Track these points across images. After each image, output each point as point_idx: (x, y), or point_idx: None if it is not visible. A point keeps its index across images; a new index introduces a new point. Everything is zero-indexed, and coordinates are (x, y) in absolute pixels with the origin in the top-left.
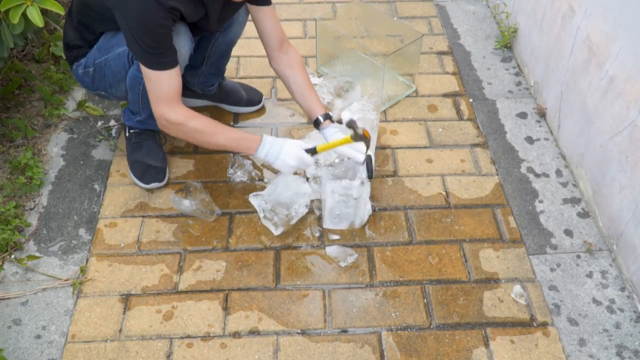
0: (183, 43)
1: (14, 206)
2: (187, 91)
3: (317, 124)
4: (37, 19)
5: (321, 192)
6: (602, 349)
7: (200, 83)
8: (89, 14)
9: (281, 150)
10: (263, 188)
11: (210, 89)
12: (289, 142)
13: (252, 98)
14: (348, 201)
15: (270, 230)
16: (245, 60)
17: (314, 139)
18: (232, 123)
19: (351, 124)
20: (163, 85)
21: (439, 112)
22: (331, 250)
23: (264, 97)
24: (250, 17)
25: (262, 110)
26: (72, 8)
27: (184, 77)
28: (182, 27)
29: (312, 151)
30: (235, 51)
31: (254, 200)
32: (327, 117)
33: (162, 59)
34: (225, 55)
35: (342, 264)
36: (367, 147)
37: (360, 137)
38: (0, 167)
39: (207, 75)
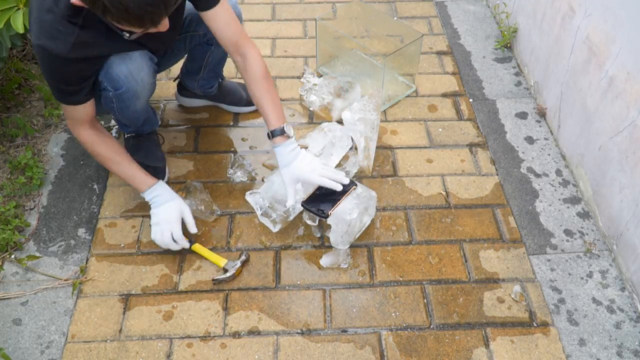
0: (140, 67)
1: (14, 206)
2: (187, 92)
3: (269, 137)
4: (19, 26)
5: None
6: (602, 349)
7: (199, 86)
8: None
9: (162, 206)
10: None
11: (210, 90)
12: (174, 203)
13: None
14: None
15: (269, 229)
16: None
17: (315, 139)
18: (231, 123)
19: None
20: (74, 113)
21: (439, 112)
22: (325, 261)
23: None
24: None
25: None
26: None
27: (184, 80)
28: (135, 53)
29: (190, 242)
30: None
31: (251, 198)
32: (281, 132)
33: (71, 98)
34: (223, 61)
35: (344, 266)
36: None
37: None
38: (0, 167)
39: (206, 79)
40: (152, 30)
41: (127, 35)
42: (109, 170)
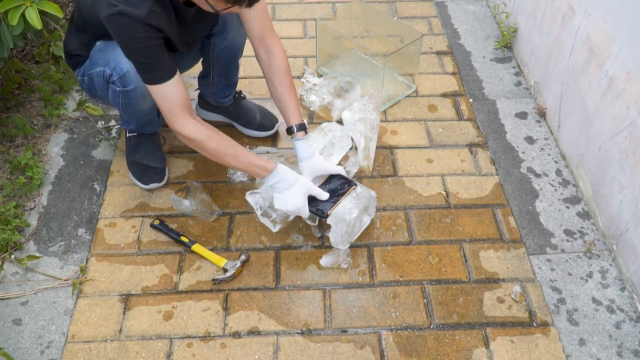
0: None
1: (14, 206)
2: (205, 103)
3: (290, 132)
4: (35, 21)
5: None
6: (602, 349)
7: (213, 94)
8: (84, 23)
9: (289, 190)
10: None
11: (223, 100)
12: (299, 184)
13: (264, 123)
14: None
15: (269, 229)
16: (245, 60)
17: (315, 139)
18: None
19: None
20: (169, 98)
21: (439, 112)
22: (325, 261)
23: (278, 124)
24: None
25: None
26: (72, 17)
27: (200, 89)
28: None
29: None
30: None
31: (250, 198)
32: (301, 127)
33: (154, 73)
34: (232, 64)
35: (344, 266)
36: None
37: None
38: (0, 167)
39: (219, 85)
40: (238, 9)
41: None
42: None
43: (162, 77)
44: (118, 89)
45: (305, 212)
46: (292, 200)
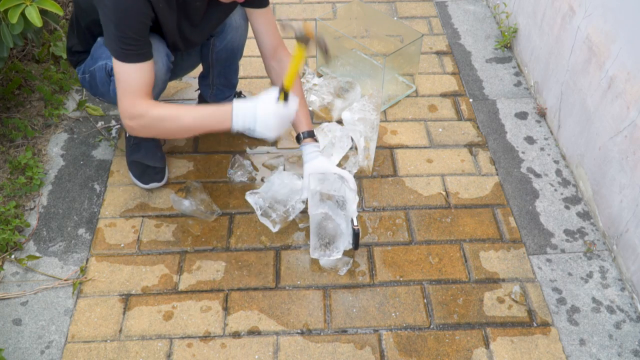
0: (155, 59)
1: (14, 206)
2: (204, 103)
3: (298, 139)
4: (35, 19)
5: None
6: (602, 349)
7: (213, 95)
8: (84, 17)
9: (256, 113)
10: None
11: (223, 101)
12: (261, 99)
13: None
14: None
15: (269, 229)
16: (245, 60)
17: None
18: None
19: (283, 24)
20: (132, 78)
21: (439, 112)
22: (325, 263)
23: None
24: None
25: None
26: (73, 13)
27: (200, 89)
28: (155, 43)
29: (283, 93)
30: None
31: (250, 198)
32: (310, 134)
33: (134, 50)
34: (231, 65)
35: (341, 273)
36: (321, 45)
37: (305, 38)
38: (0, 167)
39: (219, 86)
40: None
41: None
42: (168, 138)
43: (139, 56)
44: None
45: (293, 109)
46: (268, 116)
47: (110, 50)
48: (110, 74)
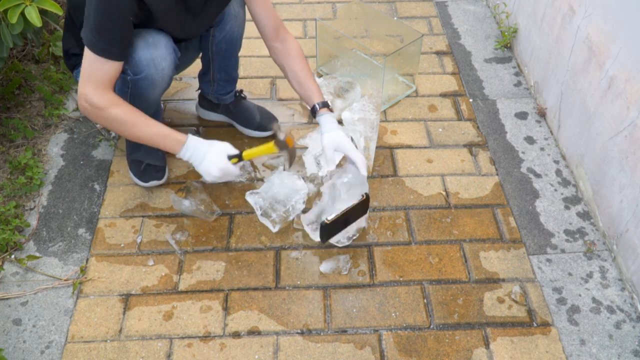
0: (163, 56)
1: (14, 206)
2: (205, 102)
3: (314, 112)
4: (35, 19)
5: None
6: (602, 349)
7: (214, 91)
8: (80, 16)
9: (204, 157)
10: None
11: (224, 97)
12: (214, 148)
13: (264, 124)
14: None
15: (269, 229)
16: (245, 60)
17: (315, 139)
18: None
19: (274, 129)
20: (98, 70)
21: (439, 112)
22: (325, 267)
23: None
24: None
25: None
26: (67, 14)
27: (201, 87)
28: (162, 38)
29: (238, 157)
30: None
31: (250, 198)
32: (325, 105)
33: (108, 46)
34: (230, 57)
35: (344, 272)
36: (291, 157)
37: (283, 144)
38: (0, 167)
39: (219, 81)
40: None
41: None
42: (130, 140)
43: (111, 53)
44: (129, 77)
45: (233, 173)
46: (212, 165)
47: (84, 39)
48: (127, 85)
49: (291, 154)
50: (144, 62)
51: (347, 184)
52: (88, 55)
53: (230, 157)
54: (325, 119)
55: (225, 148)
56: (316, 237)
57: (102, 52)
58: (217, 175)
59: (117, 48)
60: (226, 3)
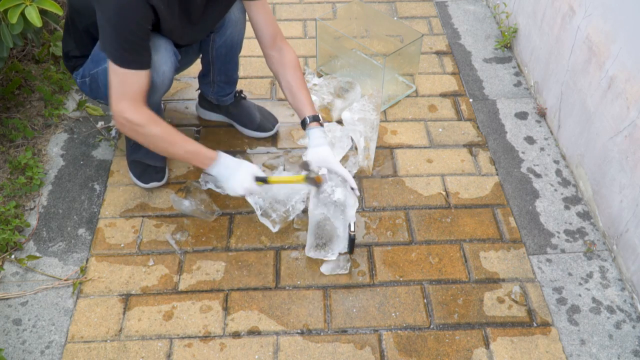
0: (164, 59)
1: (14, 206)
2: (206, 103)
3: (303, 124)
4: (35, 19)
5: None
6: (602, 349)
7: (214, 92)
8: (81, 20)
9: (232, 176)
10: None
11: (224, 99)
12: (243, 169)
13: (264, 125)
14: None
15: (269, 229)
16: (245, 60)
17: None
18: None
19: (305, 167)
20: (129, 84)
21: (439, 112)
22: (325, 267)
23: (278, 125)
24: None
25: None
26: (68, 17)
27: (201, 87)
28: (162, 42)
29: (263, 180)
30: None
31: (251, 198)
32: (315, 119)
33: (133, 57)
34: (230, 61)
35: (344, 272)
36: (318, 190)
37: (312, 181)
38: (0, 167)
39: (219, 83)
40: None
41: None
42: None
43: (138, 63)
44: None
45: (256, 193)
46: (239, 185)
47: (107, 54)
48: None
49: (318, 188)
50: None
51: (341, 203)
52: (116, 70)
53: (256, 179)
54: (314, 133)
55: (254, 170)
56: (319, 255)
57: (131, 64)
58: (241, 194)
59: (143, 57)
60: (225, 12)
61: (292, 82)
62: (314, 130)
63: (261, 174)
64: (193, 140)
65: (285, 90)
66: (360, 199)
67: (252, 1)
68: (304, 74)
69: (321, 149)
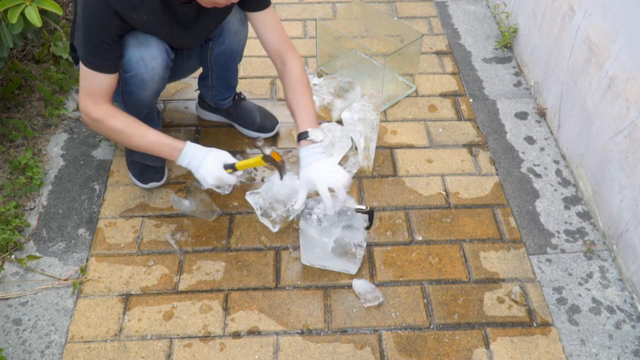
0: (154, 55)
1: (14, 206)
2: (204, 103)
3: (299, 138)
4: (35, 19)
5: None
6: (602, 349)
7: (212, 96)
8: None
9: (201, 165)
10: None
11: (222, 103)
12: (210, 156)
13: (264, 125)
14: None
15: (269, 229)
16: (245, 60)
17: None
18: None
19: (258, 145)
20: (93, 83)
21: (439, 112)
22: (358, 285)
23: (278, 126)
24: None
25: None
26: (74, 7)
27: (200, 89)
28: (155, 39)
29: (232, 167)
30: None
31: (250, 198)
32: (302, 137)
33: (97, 60)
34: (229, 69)
35: (366, 305)
36: (280, 168)
37: (269, 158)
38: (0, 167)
39: (218, 88)
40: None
41: None
42: (129, 149)
43: (100, 67)
44: (120, 75)
45: (229, 181)
46: (208, 174)
47: (78, 52)
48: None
49: (280, 166)
50: (133, 61)
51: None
52: (82, 68)
53: (226, 167)
54: (302, 152)
55: (222, 156)
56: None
57: (94, 66)
58: (212, 183)
59: (107, 62)
60: (221, 20)
61: (290, 99)
62: (301, 151)
63: (231, 160)
64: (157, 131)
65: (287, 101)
66: (360, 199)
67: (253, 13)
68: None
69: (306, 170)
